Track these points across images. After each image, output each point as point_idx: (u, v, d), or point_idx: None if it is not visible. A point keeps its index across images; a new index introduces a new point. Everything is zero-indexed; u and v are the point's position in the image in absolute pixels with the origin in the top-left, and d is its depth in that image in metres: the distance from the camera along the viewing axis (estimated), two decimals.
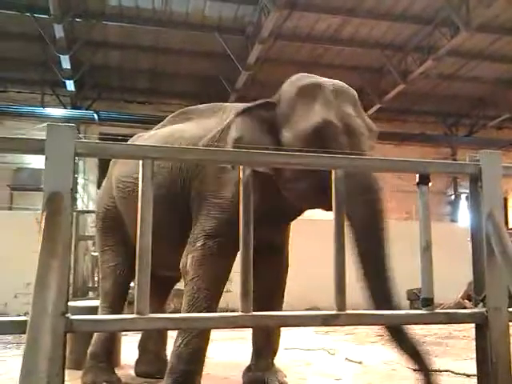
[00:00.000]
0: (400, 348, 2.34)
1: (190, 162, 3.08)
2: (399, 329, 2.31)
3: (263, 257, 3.49)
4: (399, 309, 2.29)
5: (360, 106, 3.15)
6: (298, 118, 2.99)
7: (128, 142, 4.31)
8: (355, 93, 3.17)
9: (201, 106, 4.02)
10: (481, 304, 2.09)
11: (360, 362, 4.68)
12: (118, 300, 3.93)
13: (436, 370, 4.25)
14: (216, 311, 3.15)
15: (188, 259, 3.24)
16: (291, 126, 3.01)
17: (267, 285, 3.55)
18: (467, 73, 13.35)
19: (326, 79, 3.16)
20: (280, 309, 3.72)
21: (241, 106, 3.47)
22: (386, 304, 2.30)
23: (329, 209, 3.11)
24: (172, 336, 4.18)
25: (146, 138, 4.07)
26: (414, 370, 4.37)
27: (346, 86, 3.15)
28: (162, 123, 4.18)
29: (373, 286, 2.39)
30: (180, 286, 3.82)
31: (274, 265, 3.68)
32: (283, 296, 3.78)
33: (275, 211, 3.23)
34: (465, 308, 7.07)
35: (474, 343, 2.12)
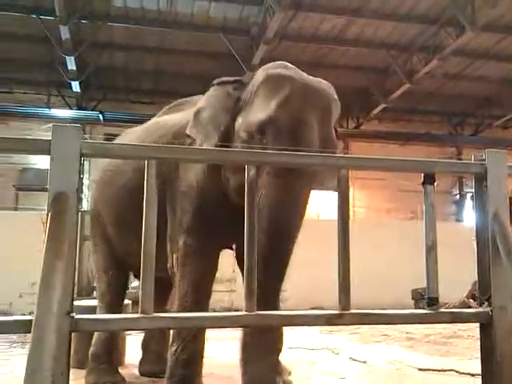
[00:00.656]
0: None
1: (195, 162, 3.06)
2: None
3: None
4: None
5: (332, 116, 2.85)
6: (254, 108, 2.84)
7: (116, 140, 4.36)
8: (331, 100, 2.86)
9: (193, 97, 3.99)
10: (486, 303, 2.08)
11: (364, 362, 4.67)
12: (114, 300, 3.93)
13: (441, 370, 4.26)
14: (207, 311, 3.15)
15: (173, 260, 3.24)
16: (246, 114, 2.88)
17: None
18: (473, 72, 13.31)
19: (305, 75, 2.89)
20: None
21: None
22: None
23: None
24: None
25: (130, 131, 4.14)
26: (419, 370, 4.38)
27: (327, 90, 2.88)
28: (157, 115, 4.19)
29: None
30: None
31: None
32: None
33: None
34: (470, 307, 7.04)
35: (478, 343, 2.12)
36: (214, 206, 3.09)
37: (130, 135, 4.14)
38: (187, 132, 3.13)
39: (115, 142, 4.26)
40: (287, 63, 3.05)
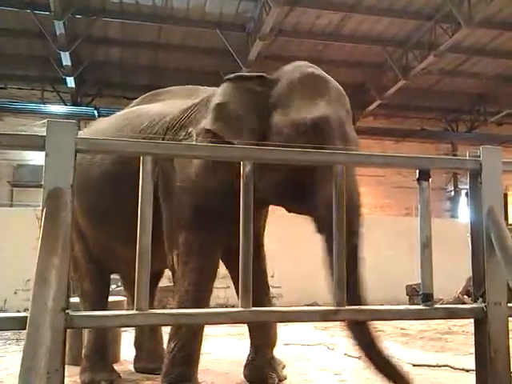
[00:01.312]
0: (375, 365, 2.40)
1: (192, 158, 3.04)
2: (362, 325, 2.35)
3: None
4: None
5: (351, 116, 3.08)
6: (297, 106, 2.88)
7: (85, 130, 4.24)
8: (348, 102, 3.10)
9: (173, 88, 3.92)
10: (480, 299, 2.09)
11: (359, 357, 4.68)
12: (98, 299, 3.83)
13: (435, 365, 4.28)
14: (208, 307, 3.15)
15: (174, 257, 3.21)
16: (288, 112, 2.90)
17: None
18: (468, 69, 13.33)
19: (331, 78, 3.08)
20: (268, 298, 3.68)
21: (216, 89, 3.32)
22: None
23: (290, 210, 3.11)
24: (167, 331, 4.20)
25: (103, 120, 3.99)
26: (414, 366, 4.40)
27: (344, 92, 3.09)
28: (130, 105, 4.10)
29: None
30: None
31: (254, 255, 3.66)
32: (268, 286, 3.71)
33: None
34: (464, 303, 7.08)
35: (473, 338, 2.13)
36: (216, 202, 3.05)
37: (101, 125, 3.98)
38: (208, 127, 3.07)
39: (85, 132, 4.11)
40: (308, 63, 3.18)
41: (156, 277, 4.24)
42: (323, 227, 2.59)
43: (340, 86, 3.06)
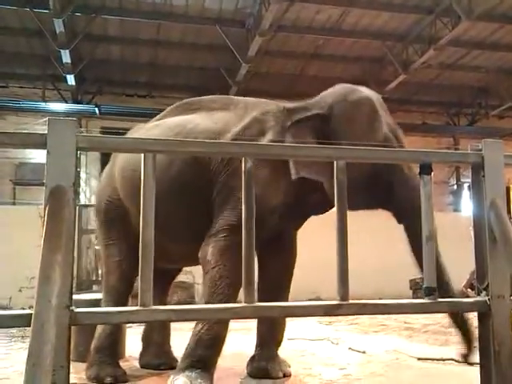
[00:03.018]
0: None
1: (192, 154, 3.06)
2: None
3: (274, 248, 3.54)
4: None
5: None
6: (358, 134, 3.17)
7: (127, 135, 4.26)
8: None
9: (205, 98, 3.97)
10: (483, 292, 2.09)
11: (363, 352, 4.70)
12: (123, 295, 3.88)
13: (440, 359, 4.29)
14: (236, 300, 3.15)
15: (209, 249, 3.25)
16: (349, 141, 3.07)
17: (277, 274, 3.64)
18: (469, 62, 13.28)
19: (369, 91, 3.44)
20: (287, 297, 3.77)
21: (251, 100, 3.61)
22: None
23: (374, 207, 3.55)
24: (175, 328, 4.21)
25: (147, 129, 3.94)
26: (418, 359, 4.41)
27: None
28: (162, 114, 4.10)
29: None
30: (182, 278, 3.82)
31: (285, 255, 3.76)
32: (290, 287, 3.85)
33: (302, 207, 3.37)
34: (467, 297, 7.07)
35: (476, 332, 2.13)
36: (269, 219, 3.22)
37: (143, 132, 3.98)
38: (294, 176, 3.21)
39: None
40: (347, 85, 3.52)
41: (174, 273, 4.32)
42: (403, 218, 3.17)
43: (376, 93, 3.49)
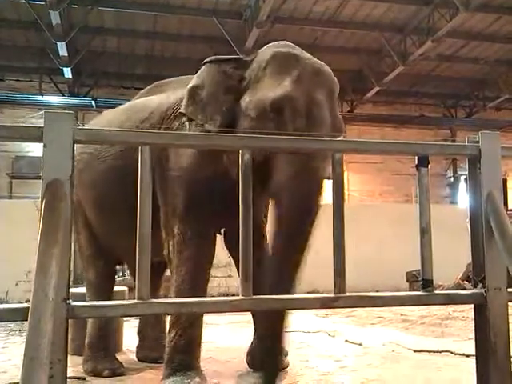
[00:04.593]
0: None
1: (188, 147, 3.05)
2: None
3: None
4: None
5: (335, 98, 2.86)
6: (264, 86, 2.78)
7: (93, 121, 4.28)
8: (335, 82, 2.88)
9: (176, 79, 3.91)
10: (480, 285, 2.09)
11: (360, 344, 4.72)
12: (102, 288, 3.89)
13: (436, 351, 4.31)
14: (205, 297, 3.16)
15: (170, 247, 3.23)
16: (254, 92, 2.83)
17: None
18: (466, 54, 13.27)
19: (310, 56, 2.90)
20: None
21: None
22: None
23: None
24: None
25: (110, 112, 4.04)
26: (415, 351, 4.43)
27: (329, 71, 2.88)
28: (135, 97, 4.13)
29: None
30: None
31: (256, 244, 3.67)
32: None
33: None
34: (464, 289, 7.10)
35: (473, 324, 2.14)
36: (208, 190, 3.07)
37: (107, 117, 4.06)
38: (182, 110, 3.06)
39: (91, 124, 4.20)
40: (290, 43, 3.02)
41: (162, 266, 4.30)
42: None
43: (321, 65, 2.87)
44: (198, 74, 3.11)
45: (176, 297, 3.08)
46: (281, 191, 2.46)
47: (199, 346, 3.20)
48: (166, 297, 6.03)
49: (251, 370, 3.72)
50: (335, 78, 2.90)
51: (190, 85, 3.05)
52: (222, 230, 3.51)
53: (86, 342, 3.85)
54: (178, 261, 3.15)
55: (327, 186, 2.08)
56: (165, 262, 4.13)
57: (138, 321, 4.57)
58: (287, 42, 3.02)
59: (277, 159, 2.52)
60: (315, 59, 2.90)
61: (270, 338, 3.79)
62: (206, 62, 3.11)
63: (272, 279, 2.29)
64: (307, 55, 2.91)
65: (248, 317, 4.23)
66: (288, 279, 2.34)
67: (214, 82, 3.01)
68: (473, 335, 2.13)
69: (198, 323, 3.17)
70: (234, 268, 3.55)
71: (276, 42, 3.05)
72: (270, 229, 3.49)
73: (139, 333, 4.32)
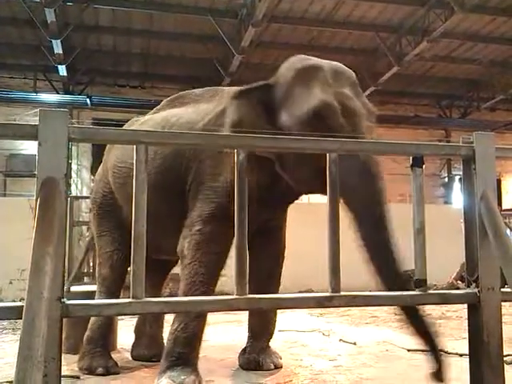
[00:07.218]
0: (413, 327, 2.40)
1: (184, 146, 3.07)
2: (414, 309, 2.32)
3: (260, 240, 3.52)
4: (408, 287, 2.27)
5: (359, 88, 3.12)
6: (297, 101, 2.96)
7: (123, 127, 4.29)
8: (353, 74, 3.13)
9: (197, 90, 3.97)
10: (473, 284, 2.11)
11: (354, 343, 4.73)
12: (115, 285, 3.92)
13: (429, 350, 4.32)
14: (213, 295, 3.17)
15: (185, 243, 3.25)
16: (289, 109, 2.98)
17: (265, 267, 3.61)
18: (462, 54, 13.31)
19: (324, 61, 3.14)
20: (277, 291, 3.76)
21: (234, 89, 3.41)
22: (396, 285, 2.30)
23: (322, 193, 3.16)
24: (168, 320, 4.21)
25: (141, 122, 4.01)
26: (408, 350, 4.44)
27: (344, 67, 3.13)
28: (157, 108, 4.14)
29: (382, 271, 2.42)
30: (177, 270, 3.82)
31: (271, 248, 3.73)
32: (280, 279, 3.82)
33: (273, 194, 3.24)
34: (458, 289, 7.13)
35: (466, 323, 2.15)
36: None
37: (138, 127, 4.02)
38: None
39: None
40: (303, 56, 3.23)
41: (168, 264, 4.32)
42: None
43: (336, 64, 3.12)
44: (233, 108, 3.13)
45: (186, 290, 3.11)
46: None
47: (200, 341, 3.21)
48: (171, 294, 6.07)
49: (244, 369, 3.74)
50: (352, 71, 3.15)
51: (230, 121, 3.08)
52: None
53: (86, 335, 3.84)
54: (194, 254, 3.18)
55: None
56: (172, 260, 4.17)
57: (132, 320, 4.56)
58: (301, 56, 3.23)
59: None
60: (329, 61, 3.14)
61: (265, 338, 3.83)
62: (237, 96, 3.16)
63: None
64: (322, 61, 3.14)
65: (241, 316, 4.24)
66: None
67: (253, 112, 3.09)
68: (466, 335, 2.14)
69: (202, 318, 3.19)
70: (228, 267, 3.56)
71: (292, 58, 3.23)
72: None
73: (136, 331, 4.31)
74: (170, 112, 3.83)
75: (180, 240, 3.32)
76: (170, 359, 3.11)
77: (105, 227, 4.03)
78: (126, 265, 3.98)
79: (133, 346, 4.29)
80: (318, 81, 2.95)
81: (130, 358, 4.20)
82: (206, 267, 3.15)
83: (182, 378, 3.02)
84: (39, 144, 1.74)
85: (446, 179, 16.94)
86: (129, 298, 1.84)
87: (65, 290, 1.76)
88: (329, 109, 2.83)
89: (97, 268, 4.17)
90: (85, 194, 12.78)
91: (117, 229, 3.91)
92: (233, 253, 3.37)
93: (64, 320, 1.75)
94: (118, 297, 3.88)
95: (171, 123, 3.62)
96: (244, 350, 3.87)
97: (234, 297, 1.94)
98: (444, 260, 7.55)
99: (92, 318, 3.85)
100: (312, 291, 8.21)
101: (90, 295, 4.04)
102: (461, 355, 3.95)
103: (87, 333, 3.86)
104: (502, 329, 2.05)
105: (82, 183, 14.09)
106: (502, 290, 2.08)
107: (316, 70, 3.01)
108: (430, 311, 6.49)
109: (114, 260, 3.91)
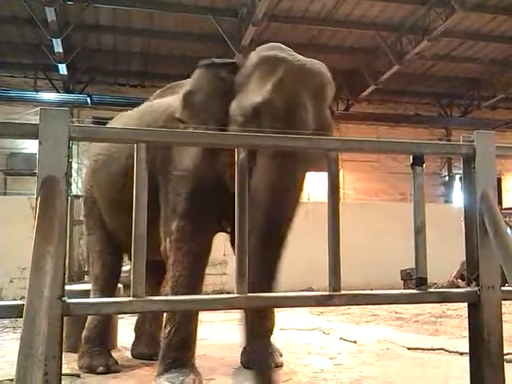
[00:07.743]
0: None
1: (184, 145, 3.05)
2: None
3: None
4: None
5: (326, 93, 2.84)
6: (249, 91, 2.79)
7: (112, 121, 4.35)
8: (326, 77, 2.84)
9: (188, 81, 3.97)
10: (474, 283, 2.11)
11: (354, 342, 4.73)
12: (108, 283, 3.95)
13: (430, 349, 4.33)
14: (200, 294, 3.18)
15: (167, 243, 3.25)
16: (241, 98, 2.84)
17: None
18: (462, 53, 13.30)
19: (297, 56, 2.85)
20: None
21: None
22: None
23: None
24: None
25: (126, 114, 4.10)
26: (409, 349, 4.44)
27: (319, 68, 2.85)
28: (150, 98, 4.18)
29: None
30: None
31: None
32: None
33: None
34: (458, 287, 7.13)
35: (467, 322, 2.15)
36: (210, 190, 3.09)
37: (123, 118, 4.13)
38: (176, 115, 3.08)
39: (109, 125, 4.26)
40: (281, 45, 2.99)
41: (163, 264, 4.32)
42: None
43: (309, 65, 2.81)
44: (192, 77, 3.10)
45: (172, 291, 3.10)
46: (257, 189, 2.39)
47: (194, 343, 3.21)
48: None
49: (245, 368, 3.74)
50: (326, 75, 2.86)
51: (185, 89, 3.06)
52: (228, 230, 3.53)
53: (83, 335, 3.85)
54: (175, 257, 3.17)
55: (325, 185, 2.07)
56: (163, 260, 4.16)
57: (132, 318, 4.56)
58: (277, 44, 3.00)
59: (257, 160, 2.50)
60: (304, 59, 2.86)
61: (263, 336, 3.83)
62: (201, 66, 3.10)
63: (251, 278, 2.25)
64: (296, 56, 2.86)
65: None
66: (268, 277, 2.35)
67: (209, 88, 3.01)
68: (467, 333, 2.14)
69: (193, 320, 3.18)
70: (229, 266, 3.57)
71: (266, 45, 3.02)
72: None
73: (136, 329, 4.32)
74: (154, 102, 3.87)
75: (162, 240, 3.30)
76: (166, 362, 3.12)
77: (91, 225, 4.06)
78: (116, 263, 4.01)
79: (133, 345, 4.29)
80: (274, 76, 2.70)
81: (131, 357, 4.21)
82: (189, 269, 3.14)
83: (181, 378, 3.02)
84: (40, 143, 1.74)
85: (447, 178, 16.94)
86: (129, 296, 1.84)
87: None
88: (267, 110, 2.64)
89: (90, 267, 4.21)
90: None
91: (100, 228, 3.95)
92: (230, 249, 3.42)
93: (64, 318, 1.75)
94: (112, 294, 3.90)
95: (151, 110, 3.65)
96: (245, 348, 3.86)
97: (235, 295, 1.94)
98: (444, 259, 7.55)
99: (89, 318, 3.86)
100: (312, 289, 8.22)
101: (85, 294, 4.07)
102: (461, 354, 3.96)
103: (84, 332, 3.87)
104: (502, 327, 2.04)
105: (82, 182, 14.09)
106: (503, 288, 2.08)
107: (278, 65, 2.74)
108: (431, 310, 6.54)
109: (105, 259, 3.94)
